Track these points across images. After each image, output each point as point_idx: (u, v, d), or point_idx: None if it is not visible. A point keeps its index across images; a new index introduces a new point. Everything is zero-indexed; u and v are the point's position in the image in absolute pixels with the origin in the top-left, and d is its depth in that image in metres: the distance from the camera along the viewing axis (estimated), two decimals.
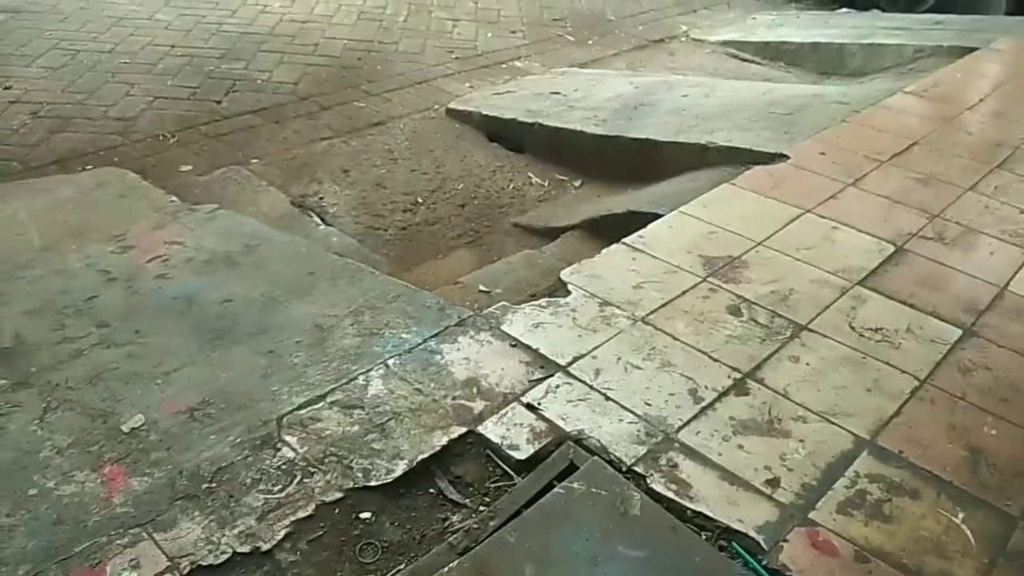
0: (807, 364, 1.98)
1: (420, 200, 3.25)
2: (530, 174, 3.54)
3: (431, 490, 1.65)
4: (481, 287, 2.52)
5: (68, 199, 2.73)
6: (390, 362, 1.94)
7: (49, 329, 2.04)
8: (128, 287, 2.21)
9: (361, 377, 1.89)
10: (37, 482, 1.58)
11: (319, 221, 3.00)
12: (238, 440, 1.69)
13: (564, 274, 2.29)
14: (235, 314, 2.11)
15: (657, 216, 2.64)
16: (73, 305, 2.14)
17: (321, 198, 3.15)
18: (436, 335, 2.04)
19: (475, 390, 1.86)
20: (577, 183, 3.49)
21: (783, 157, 3.03)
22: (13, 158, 3.18)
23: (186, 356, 1.94)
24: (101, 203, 2.71)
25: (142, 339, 2.00)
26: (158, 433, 1.70)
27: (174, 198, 2.77)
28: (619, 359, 1.96)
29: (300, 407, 1.79)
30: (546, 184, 3.48)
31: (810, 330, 2.10)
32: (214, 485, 1.58)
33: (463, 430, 1.75)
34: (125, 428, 1.71)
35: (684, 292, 2.22)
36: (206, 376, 1.87)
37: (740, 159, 3.07)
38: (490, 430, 1.74)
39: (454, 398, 1.83)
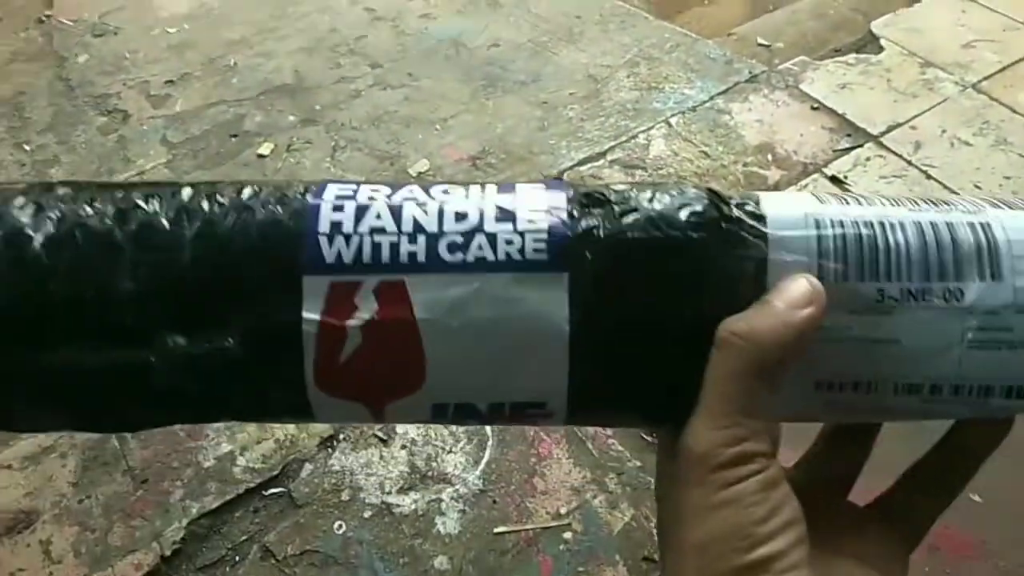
0: None
1: None
2: None
3: None
4: (760, 40, 2.22)
5: None
6: (672, 120, 1.78)
7: (325, 67, 2.04)
8: (394, 27, 2.15)
9: (641, 135, 1.75)
10: None
11: None
12: None
13: (876, 26, 1.95)
14: (504, 60, 2.00)
15: None
16: (344, 44, 2.11)
17: None
18: (724, 92, 1.83)
19: (770, 157, 1.68)
20: None
21: None
22: None
23: (460, 103, 1.89)
24: None
25: (415, 82, 1.96)
26: (444, 180, 1.70)
27: None
28: (944, 132, 1.67)
29: (580, 163, 1.70)
30: None
31: None
32: None
33: None
34: (412, 172, 1.71)
35: None
36: (483, 124, 1.82)
37: None
38: None
39: (745, 164, 1.67)
